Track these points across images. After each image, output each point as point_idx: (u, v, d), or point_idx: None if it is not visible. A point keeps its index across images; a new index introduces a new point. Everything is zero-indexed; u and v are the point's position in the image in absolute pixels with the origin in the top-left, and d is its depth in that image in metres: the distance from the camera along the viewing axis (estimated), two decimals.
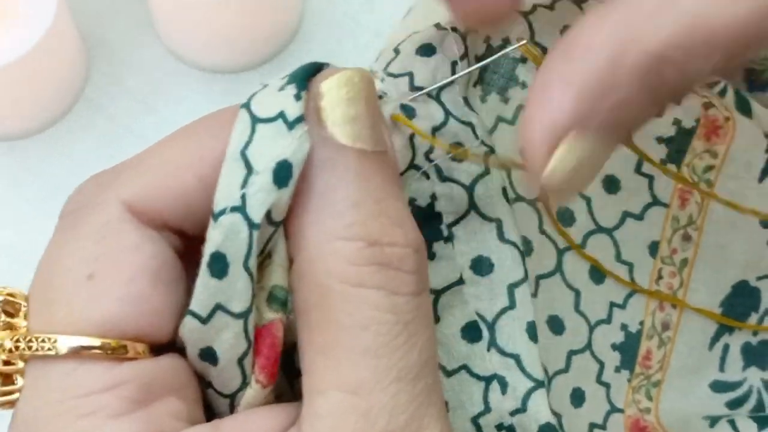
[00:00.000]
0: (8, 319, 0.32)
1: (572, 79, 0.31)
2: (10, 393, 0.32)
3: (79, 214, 0.33)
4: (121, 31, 0.65)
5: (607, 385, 0.42)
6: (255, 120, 0.32)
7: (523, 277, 0.36)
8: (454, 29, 0.37)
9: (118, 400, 0.31)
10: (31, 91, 0.61)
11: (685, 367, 0.45)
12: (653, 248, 0.43)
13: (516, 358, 0.36)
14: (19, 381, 0.32)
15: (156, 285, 0.32)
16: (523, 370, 0.36)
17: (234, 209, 0.31)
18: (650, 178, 0.42)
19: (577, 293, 0.41)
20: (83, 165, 0.62)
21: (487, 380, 0.36)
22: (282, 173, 0.31)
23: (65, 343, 0.31)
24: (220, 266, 0.31)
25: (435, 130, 0.35)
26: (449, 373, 0.36)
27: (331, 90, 0.31)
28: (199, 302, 0.32)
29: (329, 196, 0.31)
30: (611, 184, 0.42)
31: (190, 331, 0.32)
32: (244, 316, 0.32)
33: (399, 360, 0.31)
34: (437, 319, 0.36)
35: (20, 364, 0.32)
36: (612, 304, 0.43)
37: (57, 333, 0.31)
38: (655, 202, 0.43)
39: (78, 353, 0.31)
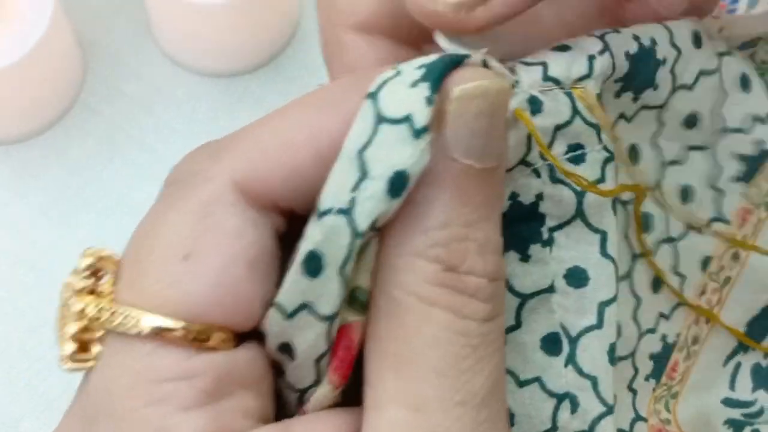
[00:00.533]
0: (95, 286, 0.31)
1: None
2: (86, 360, 0.31)
3: (185, 185, 0.32)
4: (118, 34, 0.66)
5: (634, 392, 0.42)
6: (380, 119, 0.30)
7: (614, 296, 0.35)
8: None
9: (191, 390, 0.30)
10: (28, 95, 0.61)
11: (701, 382, 0.45)
12: (705, 263, 0.43)
13: (593, 380, 0.35)
14: (94, 348, 0.31)
15: (251, 273, 0.31)
16: (597, 393, 0.35)
17: (340, 211, 0.30)
18: (720, 193, 0.42)
19: (638, 301, 0.41)
20: (80, 168, 0.63)
21: (560, 398, 0.35)
22: (398, 184, 0.29)
23: (149, 322, 0.30)
24: (314, 266, 0.30)
25: (558, 128, 0.34)
26: (521, 383, 0.35)
27: (460, 99, 0.30)
28: (287, 297, 0.31)
29: (422, 211, 0.30)
30: (687, 194, 0.41)
31: (273, 323, 0.31)
32: (330, 319, 0.31)
33: (465, 383, 0.30)
34: (518, 324, 0.35)
35: (99, 333, 0.31)
36: (660, 315, 0.42)
37: (143, 310, 0.30)
38: (719, 217, 0.42)
39: (159, 334, 0.30)
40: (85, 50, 0.65)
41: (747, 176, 0.42)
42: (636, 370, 0.41)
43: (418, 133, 0.29)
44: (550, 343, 0.35)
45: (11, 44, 0.58)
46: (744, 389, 0.45)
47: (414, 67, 0.30)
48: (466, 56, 0.30)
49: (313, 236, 0.30)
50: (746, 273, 0.43)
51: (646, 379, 0.42)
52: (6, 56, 0.57)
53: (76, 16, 0.65)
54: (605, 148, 0.34)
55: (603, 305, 0.34)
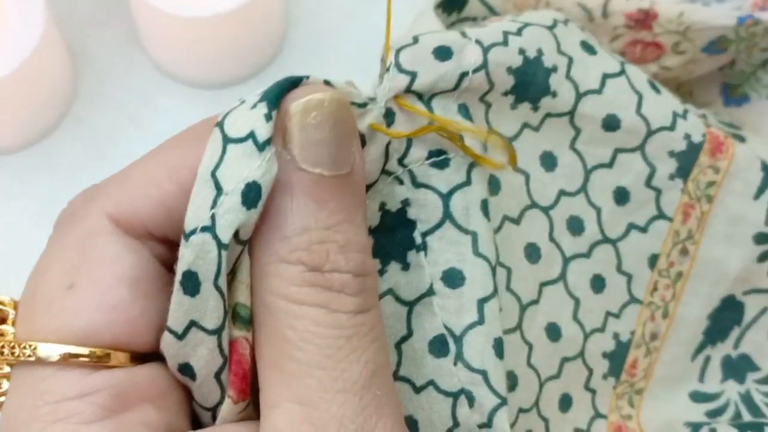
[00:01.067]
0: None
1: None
2: None
3: (65, 226, 0.34)
4: (108, 47, 0.66)
5: (593, 391, 0.43)
6: (226, 140, 0.32)
7: (493, 292, 0.36)
8: (478, 42, 0.37)
9: (90, 407, 0.32)
10: (21, 106, 0.61)
11: (668, 377, 0.45)
12: (652, 260, 0.44)
13: (483, 374, 0.36)
14: (4, 385, 0.33)
15: (135, 295, 0.33)
16: (490, 386, 0.36)
17: (204, 229, 0.31)
18: (658, 192, 0.43)
19: (577, 301, 0.42)
20: (72, 178, 0.63)
21: (455, 395, 0.36)
22: (251, 195, 0.31)
23: (45, 350, 0.32)
24: (192, 284, 0.32)
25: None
26: (418, 390, 0.36)
27: (297, 113, 0.32)
28: (175, 319, 0.32)
29: (281, 220, 0.32)
30: (622, 196, 0.42)
31: (167, 345, 0.33)
32: (217, 332, 0.32)
33: (343, 372, 0.31)
34: (410, 332, 0.36)
35: (6, 369, 0.33)
36: (608, 314, 0.43)
37: (37, 340, 0.32)
38: (661, 215, 0.43)
39: (56, 360, 0.32)
40: (76, 62, 0.65)
41: (683, 172, 0.43)
42: (590, 370, 0.42)
43: (261, 147, 0.31)
44: (438, 345, 0.36)
45: (3, 57, 0.58)
46: (713, 380, 0.46)
47: (255, 94, 0.33)
48: (304, 77, 0.33)
49: (184, 256, 0.32)
50: (697, 266, 0.44)
51: (604, 377, 0.43)
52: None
53: (67, 29, 0.65)
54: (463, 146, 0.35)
55: (482, 302, 0.35)
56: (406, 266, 0.36)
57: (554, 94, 0.39)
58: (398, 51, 0.35)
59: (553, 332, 0.41)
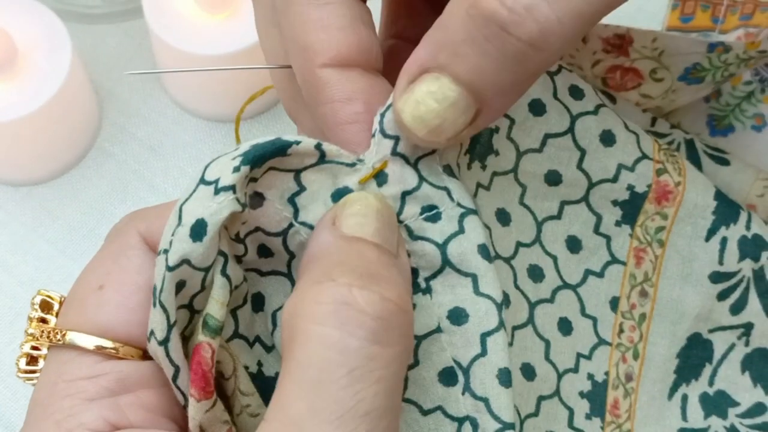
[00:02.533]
0: (44, 315, 0.38)
1: (427, 39, 0.35)
2: (33, 372, 0.38)
3: (108, 240, 0.39)
4: (131, 84, 0.68)
5: (579, 431, 0.44)
6: (201, 180, 0.35)
7: (497, 327, 0.37)
8: None
9: (95, 387, 0.36)
10: (49, 140, 0.63)
11: (649, 417, 0.46)
12: (614, 303, 0.45)
13: (485, 401, 0.37)
14: (41, 363, 0.38)
15: (149, 301, 0.37)
16: (491, 412, 0.37)
17: (164, 251, 0.35)
18: (608, 238, 0.45)
19: (548, 343, 0.43)
20: (96, 207, 0.65)
21: (460, 421, 0.37)
22: (198, 229, 0.35)
23: (69, 337, 0.37)
24: (154, 297, 0.36)
25: (406, 194, 0.37)
26: (425, 413, 0.38)
27: (353, 211, 0.36)
28: (150, 324, 0.36)
29: (326, 258, 0.35)
30: (574, 244, 0.44)
31: (148, 347, 0.37)
32: (163, 343, 0.36)
33: (333, 403, 0.32)
34: (417, 362, 0.38)
35: (44, 351, 0.38)
36: (579, 355, 0.44)
37: (67, 329, 0.37)
38: (614, 260, 0.45)
39: (76, 347, 0.37)
40: (101, 99, 0.68)
41: (629, 219, 0.45)
42: (570, 410, 0.43)
43: (217, 191, 0.35)
44: (447, 376, 0.38)
45: (34, 93, 0.60)
46: (696, 417, 0.47)
47: (247, 144, 0.35)
48: (296, 143, 0.35)
49: (155, 273, 0.36)
50: (658, 307, 0.46)
51: (588, 417, 0.44)
52: (29, 104, 0.60)
53: (93, 68, 0.68)
54: (459, 204, 0.38)
55: (485, 335, 0.37)
56: (413, 307, 0.37)
57: (497, 153, 0.41)
58: (382, 115, 0.37)
59: (528, 372, 0.42)
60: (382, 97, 0.37)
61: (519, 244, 0.43)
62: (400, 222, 0.37)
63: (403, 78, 0.35)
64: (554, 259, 0.44)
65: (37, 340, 0.38)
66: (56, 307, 0.39)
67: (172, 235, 0.35)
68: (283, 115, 0.67)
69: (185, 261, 0.35)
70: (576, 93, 0.43)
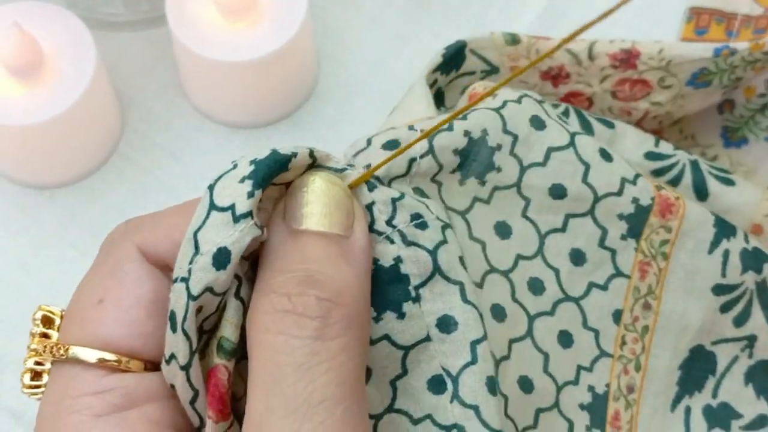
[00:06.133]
0: (46, 330, 0.39)
1: None
2: (37, 387, 0.39)
3: (103, 252, 0.40)
4: (153, 91, 0.69)
5: None
6: (212, 206, 0.36)
7: (483, 335, 0.38)
8: (422, 130, 0.40)
9: (102, 403, 0.37)
10: (72, 145, 0.64)
11: (651, 429, 0.47)
12: (617, 316, 0.45)
13: (475, 409, 0.38)
14: (45, 378, 0.38)
15: (151, 314, 0.38)
16: (481, 420, 0.38)
17: (182, 279, 0.36)
18: (613, 252, 0.45)
19: (546, 356, 0.43)
20: (118, 211, 0.65)
21: (448, 429, 0.38)
22: (221, 258, 0.35)
23: (72, 352, 0.37)
24: (173, 323, 0.36)
25: (395, 200, 0.38)
26: (415, 421, 0.38)
27: (298, 201, 0.37)
28: (166, 347, 0.37)
29: (271, 266, 0.36)
30: (578, 257, 0.44)
31: (162, 367, 0.37)
32: (185, 368, 0.36)
33: (286, 399, 0.33)
34: (405, 371, 0.39)
35: (47, 366, 0.38)
36: (579, 367, 0.45)
37: (70, 344, 0.37)
38: (618, 273, 0.45)
39: (79, 362, 0.37)
40: (123, 105, 0.68)
41: (634, 233, 0.45)
42: (569, 422, 0.44)
43: (237, 219, 0.35)
44: (436, 385, 0.38)
45: (57, 99, 0.61)
46: (699, 431, 0.47)
47: (247, 161, 0.36)
48: (293, 155, 0.36)
49: (170, 298, 0.36)
50: (661, 320, 0.46)
51: (588, 429, 0.45)
52: (52, 110, 0.60)
53: (116, 74, 0.68)
54: (437, 218, 0.39)
55: (474, 344, 0.38)
56: (401, 315, 0.38)
57: (499, 169, 0.42)
58: (354, 156, 0.39)
59: (526, 385, 0.43)
60: None
61: (519, 257, 0.43)
62: (393, 227, 0.38)
63: None
64: (556, 272, 0.44)
65: (41, 355, 0.38)
66: (57, 321, 0.39)
67: (190, 263, 0.36)
68: (303, 121, 0.68)
69: (208, 289, 0.36)
70: (539, 124, 0.44)
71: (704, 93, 0.50)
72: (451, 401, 0.38)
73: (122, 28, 0.70)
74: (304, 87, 0.68)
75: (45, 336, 0.39)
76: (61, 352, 0.37)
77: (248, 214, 0.35)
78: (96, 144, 0.66)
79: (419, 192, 0.40)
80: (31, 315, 0.39)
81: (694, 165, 0.49)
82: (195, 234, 0.36)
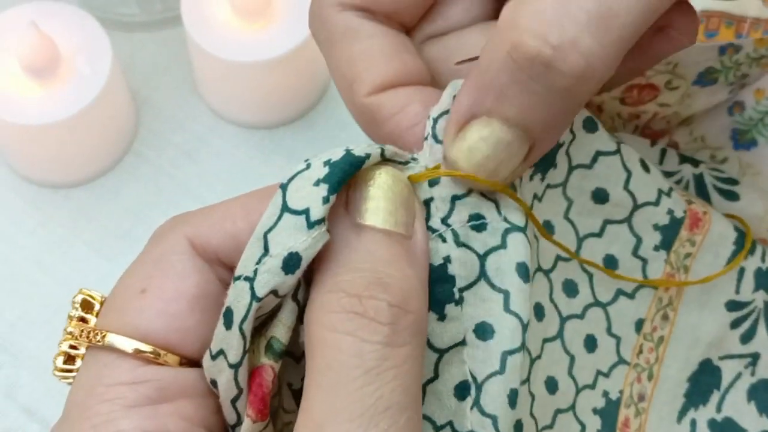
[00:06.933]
0: (84, 315, 0.38)
1: (468, 83, 0.35)
2: (69, 371, 0.38)
3: (152, 242, 0.39)
4: (167, 91, 0.69)
5: None
6: (284, 208, 0.35)
7: (519, 347, 0.37)
8: None
9: (134, 393, 0.36)
10: (87, 144, 0.65)
11: None
12: (639, 325, 0.45)
13: (493, 419, 0.37)
14: (78, 362, 0.38)
15: (193, 309, 0.37)
16: (497, 430, 0.37)
17: (246, 278, 0.35)
18: (644, 261, 0.45)
19: (572, 358, 0.43)
20: (132, 210, 0.66)
21: None
22: (291, 262, 0.34)
23: (109, 339, 0.37)
24: (228, 319, 0.35)
25: (456, 198, 0.37)
26: (438, 428, 0.38)
27: (357, 182, 0.36)
28: (214, 342, 0.36)
29: (335, 261, 0.35)
30: (611, 263, 0.44)
31: (205, 360, 0.37)
32: (234, 367, 0.36)
33: (352, 402, 0.33)
34: (436, 376, 0.38)
35: (82, 350, 0.38)
36: (598, 372, 0.44)
37: (108, 331, 0.37)
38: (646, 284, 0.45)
39: (116, 350, 0.36)
40: (139, 105, 0.69)
41: (666, 244, 0.45)
42: (582, 425, 0.44)
43: (311, 225, 0.34)
44: (461, 390, 0.37)
45: (73, 99, 0.62)
46: None
47: (321, 162, 0.35)
48: (366, 157, 0.35)
49: (229, 294, 0.35)
50: (676, 331, 0.46)
51: None
52: (68, 109, 0.61)
53: (131, 75, 0.69)
54: (506, 219, 0.38)
55: (506, 354, 0.37)
56: (442, 317, 0.37)
57: (555, 166, 0.42)
58: (434, 120, 0.38)
59: (551, 385, 0.42)
60: (435, 97, 0.38)
61: (558, 258, 0.43)
62: (447, 225, 0.38)
63: (451, 127, 0.36)
64: (590, 276, 0.44)
65: (76, 339, 0.37)
66: (97, 307, 0.39)
67: (257, 263, 0.35)
68: (316, 122, 0.68)
69: (273, 292, 0.35)
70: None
71: (710, 91, 0.50)
72: (472, 408, 0.37)
73: (137, 29, 0.71)
74: (318, 87, 0.69)
75: (83, 320, 0.38)
76: (98, 338, 0.37)
77: (322, 221, 0.34)
78: (111, 143, 0.67)
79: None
80: (71, 298, 0.39)
81: (698, 179, 0.49)
82: (265, 234, 0.35)
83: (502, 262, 0.38)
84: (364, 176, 0.36)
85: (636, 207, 0.44)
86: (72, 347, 0.38)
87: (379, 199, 0.36)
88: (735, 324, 0.47)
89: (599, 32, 0.33)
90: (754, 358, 0.48)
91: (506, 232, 0.38)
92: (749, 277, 0.47)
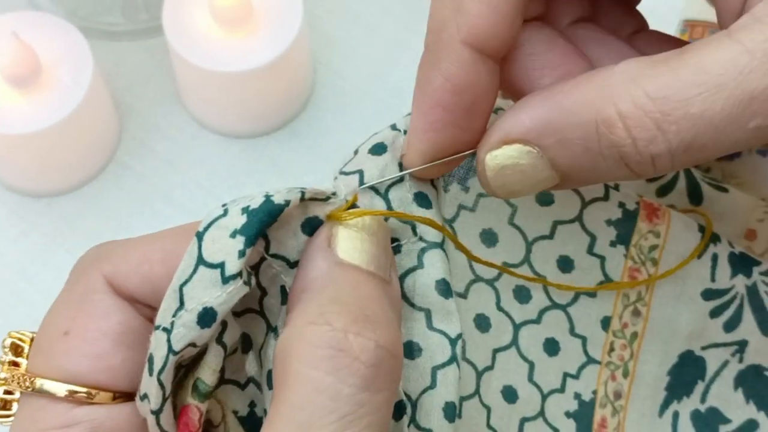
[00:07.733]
0: (15, 359, 0.38)
1: (540, 111, 0.34)
2: (7, 416, 0.38)
3: (72, 279, 0.39)
4: (150, 100, 0.69)
5: None
6: (200, 260, 0.34)
7: (449, 360, 0.38)
8: (406, 131, 0.39)
9: None
10: (69, 152, 0.65)
11: None
12: (605, 323, 0.45)
13: None
14: (14, 407, 0.38)
15: (118, 347, 0.37)
16: None
17: (164, 329, 0.35)
18: (602, 259, 0.44)
19: (532, 365, 0.43)
20: (115, 219, 0.66)
21: None
22: (206, 317, 0.34)
23: (39, 384, 0.37)
24: (150, 366, 0.35)
25: None
26: None
27: (342, 228, 0.36)
28: (142, 384, 0.36)
29: (321, 292, 0.35)
30: (566, 264, 0.44)
31: (136, 399, 0.37)
32: (155, 414, 0.36)
33: None
34: None
35: (17, 395, 0.38)
36: (566, 375, 0.44)
37: (37, 376, 0.37)
38: (608, 280, 0.45)
39: (46, 393, 0.37)
40: (121, 114, 0.69)
41: (623, 239, 0.44)
42: (555, 430, 0.44)
43: (226, 280, 0.34)
44: (398, 410, 0.37)
45: (55, 107, 0.61)
46: None
47: (239, 209, 0.35)
48: (286, 204, 0.35)
49: (152, 341, 0.35)
50: (651, 326, 0.46)
51: None
52: (50, 118, 0.61)
53: (114, 84, 0.69)
54: (421, 239, 0.38)
55: (435, 369, 0.37)
56: None
57: None
58: (344, 167, 0.38)
59: (510, 394, 0.42)
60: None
61: (505, 265, 0.43)
62: None
63: (496, 134, 0.35)
64: (543, 279, 0.44)
65: (9, 384, 0.37)
66: (26, 349, 0.38)
67: (173, 316, 0.35)
68: (299, 131, 0.69)
69: (191, 344, 0.35)
70: None
71: None
72: (408, 425, 0.37)
73: (121, 38, 0.71)
74: (301, 96, 0.69)
75: (14, 364, 0.38)
76: (28, 383, 0.37)
77: (238, 275, 0.34)
78: (93, 152, 0.67)
79: (420, 198, 0.39)
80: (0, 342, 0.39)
81: (687, 171, 0.48)
82: (181, 288, 0.35)
83: (419, 282, 0.38)
84: (349, 216, 0.36)
85: (585, 204, 0.44)
86: (7, 392, 0.38)
87: (365, 241, 0.36)
88: (715, 313, 0.46)
89: (682, 155, 0.33)
90: (741, 345, 0.47)
91: (422, 251, 0.38)
92: (723, 264, 0.46)
